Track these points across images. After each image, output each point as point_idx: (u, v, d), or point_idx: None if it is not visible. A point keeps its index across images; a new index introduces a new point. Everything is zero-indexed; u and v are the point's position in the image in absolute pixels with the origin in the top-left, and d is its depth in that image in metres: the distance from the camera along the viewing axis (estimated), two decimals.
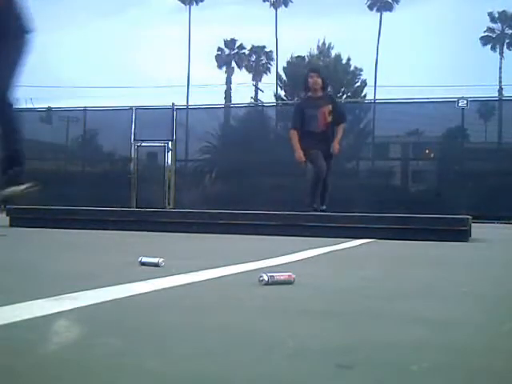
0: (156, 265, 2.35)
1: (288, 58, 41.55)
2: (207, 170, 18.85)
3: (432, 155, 17.92)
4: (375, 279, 2.28)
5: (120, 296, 1.64)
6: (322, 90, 7.03)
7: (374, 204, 14.02)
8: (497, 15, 48.44)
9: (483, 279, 2.49)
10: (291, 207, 10.46)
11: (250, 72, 51.22)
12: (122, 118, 17.24)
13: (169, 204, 16.99)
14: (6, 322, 1.24)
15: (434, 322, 1.39)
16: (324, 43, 41.50)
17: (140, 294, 1.71)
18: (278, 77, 42.61)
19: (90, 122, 17.87)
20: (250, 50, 51.56)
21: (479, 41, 49.22)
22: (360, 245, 4.47)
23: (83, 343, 1.11)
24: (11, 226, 5.80)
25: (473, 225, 5.49)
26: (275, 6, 48.90)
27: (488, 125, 16.77)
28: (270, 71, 50.99)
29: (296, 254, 3.24)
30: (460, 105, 15.41)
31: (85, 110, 18.02)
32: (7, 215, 6.08)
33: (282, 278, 1.92)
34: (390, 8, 48.53)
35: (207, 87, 70.70)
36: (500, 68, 46.70)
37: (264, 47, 51.03)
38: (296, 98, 30.32)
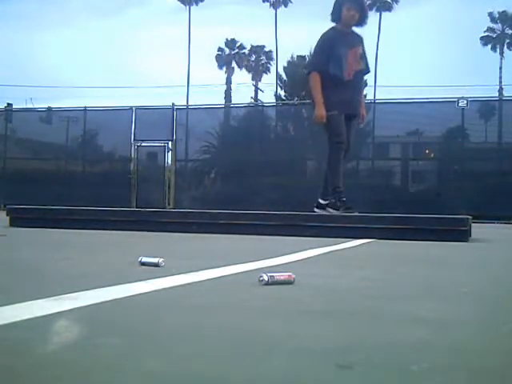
0: (156, 265, 2.35)
1: (288, 57, 41.55)
2: (207, 169, 18.86)
3: (432, 155, 17.92)
4: (375, 279, 2.28)
5: (120, 296, 1.64)
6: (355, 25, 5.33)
7: (374, 204, 14.01)
8: (497, 15, 48.44)
9: (483, 279, 2.49)
10: (291, 207, 10.45)
11: (249, 72, 51.22)
12: (122, 118, 17.24)
13: (169, 204, 16.99)
14: (5, 321, 1.24)
15: (434, 322, 1.39)
16: None
17: (140, 294, 1.71)
18: (278, 77, 42.59)
19: (89, 122, 17.87)
20: (250, 49, 51.57)
21: (479, 41, 49.22)
22: (360, 245, 4.47)
23: (83, 343, 1.11)
24: (11, 225, 5.80)
25: (473, 225, 5.49)
26: (275, 6, 48.90)
27: (488, 125, 16.77)
28: (269, 71, 50.98)
29: (296, 254, 3.24)
30: (460, 105, 15.40)
31: (85, 110, 18.02)
32: (7, 215, 6.08)
33: (282, 278, 1.92)
34: (389, 8, 48.53)
35: (207, 87, 70.75)
36: (500, 68, 46.71)
37: (263, 47, 51.03)
38: (296, 98, 30.31)
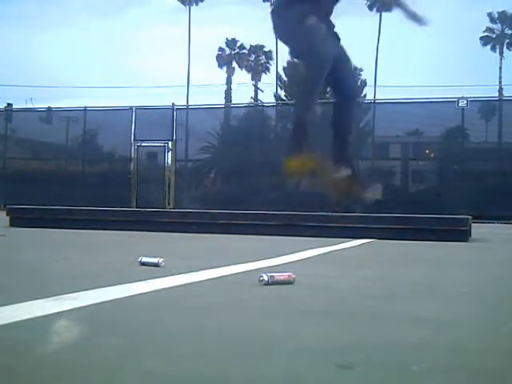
0: (156, 265, 2.35)
1: (288, 57, 41.54)
2: (207, 169, 18.85)
3: (432, 155, 17.92)
4: (375, 279, 2.28)
5: (120, 296, 1.64)
6: None
7: (374, 204, 14.00)
8: (496, 15, 48.44)
9: (483, 279, 2.49)
10: (291, 207, 10.45)
11: (249, 72, 51.23)
12: (122, 118, 17.23)
13: (169, 204, 16.98)
14: (5, 321, 1.24)
15: (434, 322, 1.39)
16: None
17: (140, 293, 1.71)
18: (278, 77, 42.60)
19: (89, 121, 17.85)
20: (249, 49, 51.58)
21: (479, 41, 49.22)
22: (360, 245, 4.46)
23: (83, 343, 1.11)
24: (11, 225, 5.80)
25: (473, 225, 5.49)
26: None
27: (488, 125, 16.78)
28: (269, 71, 50.98)
29: (296, 254, 3.24)
30: (460, 105, 15.40)
31: (85, 109, 18.01)
32: (7, 215, 6.08)
33: (282, 278, 1.92)
34: (389, 8, 48.52)
35: (207, 87, 70.72)
36: (500, 68, 46.70)
37: (263, 46, 51.02)
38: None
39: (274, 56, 48.91)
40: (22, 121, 18.71)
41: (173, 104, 17.64)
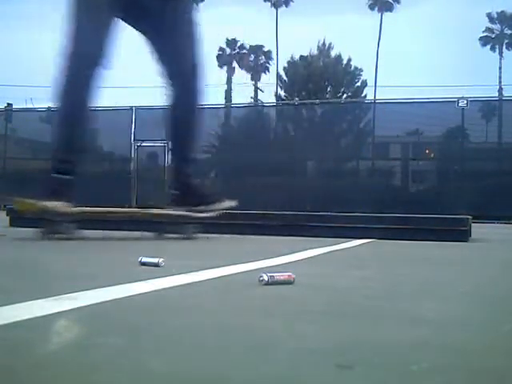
0: (156, 265, 2.35)
1: (288, 57, 41.56)
2: (207, 169, 18.86)
3: (432, 155, 17.93)
4: (375, 279, 2.28)
5: (120, 296, 1.64)
6: None
7: (374, 204, 14.02)
8: (495, 16, 48.44)
9: (483, 279, 2.49)
10: (291, 207, 10.46)
11: (248, 72, 51.23)
12: (122, 118, 17.24)
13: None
14: (5, 321, 1.24)
15: (434, 322, 1.39)
16: (324, 43, 41.50)
17: (140, 294, 1.71)
18: (278, 77, 42.61)
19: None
20: (249, 49, 51.59)
21: (478, 41, 49.24)
22: (360, 245, 4.47)
23: (83, 343, 1.11)
24: (11, 226, 5.80)
25: (473, 225, 5.49)
26: (276, 5, 48.92)
27: (488, 125, 16.79)
28: (268, 71, 51.00)
29: (296, 254, 3.24)
30: (460, 105, 15.41)
31: None
32: (7, 215, 6.07)
33: (282, 278, 1.92)
34: (390, 8, 48.53)
35: (207, 87, 70.68)
36: (500, 68, 46.73)
37: (262, 46, 51.04)
38: (296, 98, 30.33)
39: (274, 56, 48.94)
40: (22, 121, 18.72)
41: None
